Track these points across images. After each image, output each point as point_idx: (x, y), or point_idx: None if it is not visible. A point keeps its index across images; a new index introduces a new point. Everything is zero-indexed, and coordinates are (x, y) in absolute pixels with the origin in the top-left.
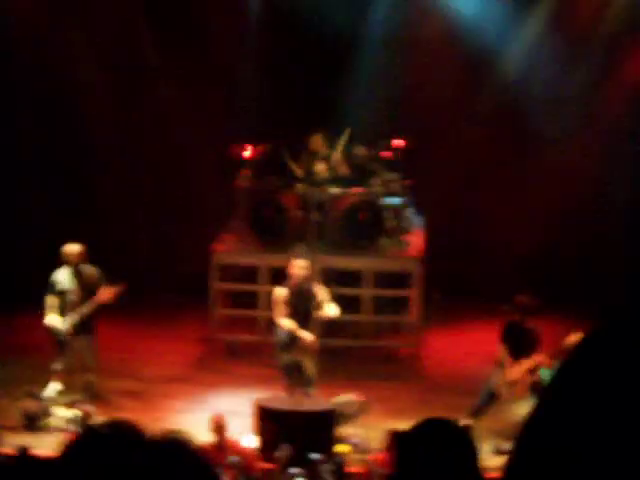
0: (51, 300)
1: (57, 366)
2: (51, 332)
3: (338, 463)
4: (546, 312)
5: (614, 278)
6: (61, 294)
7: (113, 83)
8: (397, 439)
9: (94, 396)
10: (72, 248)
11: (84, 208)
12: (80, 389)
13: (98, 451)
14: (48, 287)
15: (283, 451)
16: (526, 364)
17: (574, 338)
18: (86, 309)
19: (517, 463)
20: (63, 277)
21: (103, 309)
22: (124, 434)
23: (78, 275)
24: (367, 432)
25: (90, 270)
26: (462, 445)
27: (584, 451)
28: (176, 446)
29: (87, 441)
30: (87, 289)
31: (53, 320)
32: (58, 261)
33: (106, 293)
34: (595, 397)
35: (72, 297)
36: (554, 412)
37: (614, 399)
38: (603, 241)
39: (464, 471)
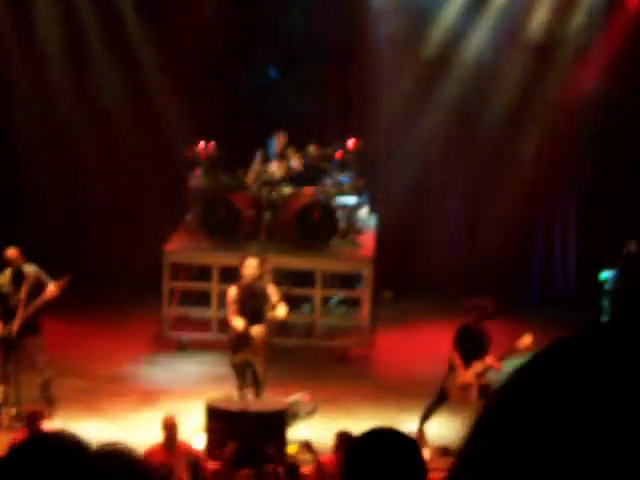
0: None
1: (1, 370)
2: None
3: (289, 464)
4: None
5: (559, 280)
6: (4, 297)
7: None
8: (346, 448)
9: (50, 396)
10: (10, 251)
11: (30, 207)
12: (38, 389)
13: (39, 460)
14: None
15: (229, 449)
16: (477, 367)
17: (525, 341)
18: (31, 309)
19: (466, 461)
20: (5, 280)
21: (50, 307)
22: (67, 444)
23: (20, 277)
24: (318, 432)
25: (31, 269)
26: (411, 456)
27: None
28: (119, 457)
29: (29, 449)
30: (30, 289)
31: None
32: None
33: (51, 290)
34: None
35: (15, 299)
36: (508, 412)
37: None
38: (550, 244)
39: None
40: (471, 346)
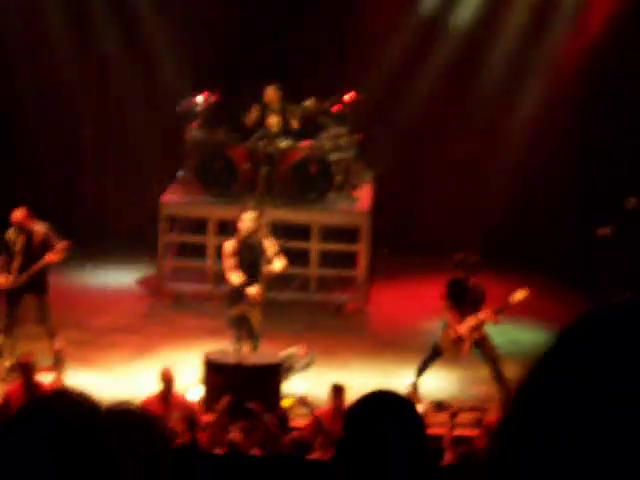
0: (2, 260)
1: (1, 324)
2: (1, 292)
3: (282, 416)
4: (491, 268)
5: (558, 234)
6: (12, 254)
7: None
8: (346, 413)
9: (62, 363)
10: (18, 212)
11: (26, 162)
12: (52, 358)
13: (46, 420)
14: (0, 247)
15: (223, 402)
16: (471, 321)
17: (519, 295)
18: (35, 268)
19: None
20: (14, 237)
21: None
22: (74, 403)
23: (28, 236)
24: (313, 385)
25: (40, 229)
26: (410, 419)
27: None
28: (127, 415)
29: (35, 409)
30: (39, 248)
31: (2, 281)
32: (8, 222)
33: (53, 254)
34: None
35: (23, 257)
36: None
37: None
38: (551, 197)
39: (412, 444)
40: (461, 300)
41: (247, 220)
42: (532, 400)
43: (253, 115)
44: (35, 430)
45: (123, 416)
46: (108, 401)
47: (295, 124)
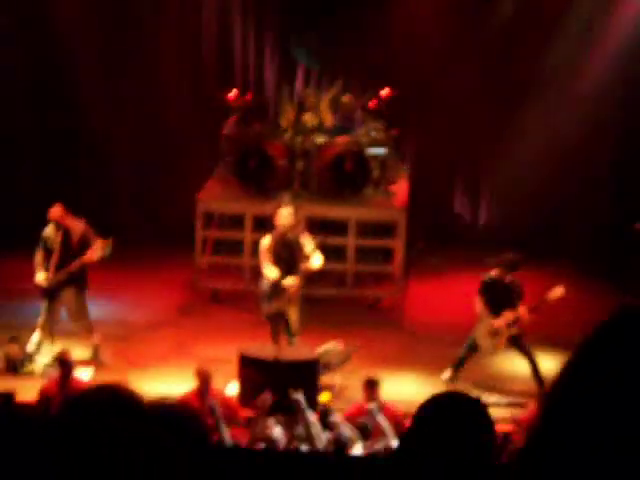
0: (40, 256)
1: (41, 319)
2: (39, 289)
3: (322, 412)
4: (529, 264)
5: (593, 227)
6: (51, 250)
7: (98, 24)
8: (419, 408)
9: (100, 358)
10: (55, 209)
11: (67, 159)
12: (90, 354)
13: (90, 415)
14: (38, 243)
15: (265, 399)
16: (507, 317)
17: (556, 292)
18: (75, 265)
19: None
20: (52, 234)
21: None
22: (117, 398)
23: (66, 232)
24: (350, 380)
25: (78, 226)
26: (481, 421)
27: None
28: (170, 411)
29: (80, 404)
30: (77, 245)
31: (41, 277)
32: (46, 218)
33: (94, 252)
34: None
35: (61, 254)
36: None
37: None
38: (589, 196)
39: (480, 447)
40: (498, 297)
41: (284, 216)
42: (567, 397)
43: (289, 111)
44: (82, 423)
45: (164, 411)
46: (145, 397)
47: (330, 120)
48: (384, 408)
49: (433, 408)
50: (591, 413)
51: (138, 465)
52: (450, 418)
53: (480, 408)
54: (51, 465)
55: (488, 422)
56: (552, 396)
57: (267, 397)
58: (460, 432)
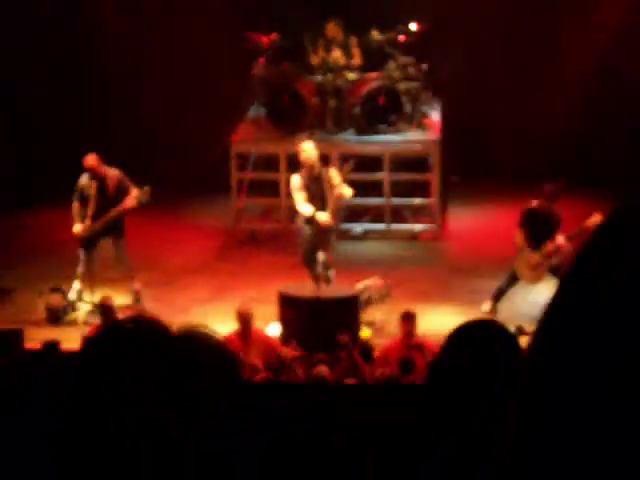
0: (77, 206)
1: (80, 268)
2: (78, 238)
3: (363, 346)
4: (567, 194)
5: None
6: (87, 200)
7: None
8: (449, 335)
9: (142, 304)
10: (90, 158)
11: (99, 100)
12: (131, 299)
13: (121, 345)
14: (74, 193)
15: (343, 338)
16: (547, 247)
17: (594, 219)
18: (113, 214)
19: (538, 349)
20: (87, 183)
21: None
22: (147, 328)
23: (101, 181)
24: (390, 316)
25: (114, 174)
26: (512, 351)
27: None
28: (200, 339)
29: (111, 335)
30: (113, 194)
31: (78, 228)
32: (82, 167)
33: (131, 200)
34: (619, 283)
35: (98, 203)
36: (575, 299)
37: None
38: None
39: (508, 378)
40: (537, 228)
41: (308, 151)
42: (565, 311)
43: (319, 49)
44: (110, 352)
45: (194, 339)
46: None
47: (358, 58)
48: (423, 344)
49: (463, 334)
50: (593, 324)
51: (158, 388)
52: (479, 344)
53: (511, 337)
54: (81, 400)
55: (518, 352)
56: (550, 311)
57: (347, 338)
58: (489, 359)
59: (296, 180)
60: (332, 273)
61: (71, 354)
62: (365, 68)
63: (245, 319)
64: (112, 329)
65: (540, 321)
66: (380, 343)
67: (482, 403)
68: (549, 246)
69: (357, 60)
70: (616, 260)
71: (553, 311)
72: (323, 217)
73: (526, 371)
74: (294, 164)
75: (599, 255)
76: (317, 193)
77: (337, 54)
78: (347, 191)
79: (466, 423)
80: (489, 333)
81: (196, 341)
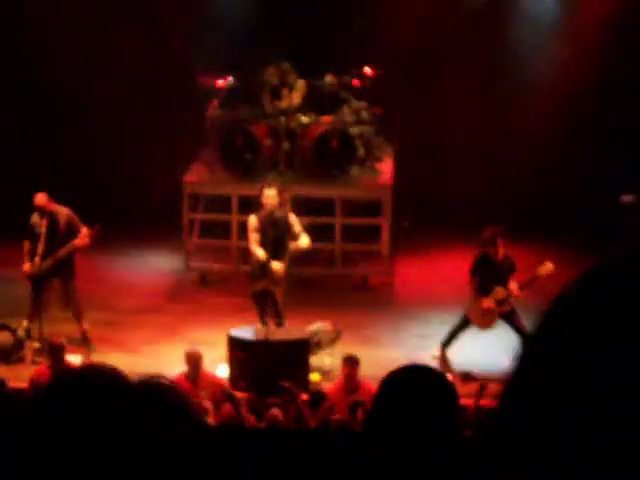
0: (27, 245)
1: (29, 307)
2: (27, 277)
3: (315, 393)
4: (516, 240)
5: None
6: (37, 238)
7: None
8: (381, 382)
9: (90, 344)
10: (40, 196)
11: (50, 144)
12: (79, 339)
13: (75, 395)
14: (25, 231)
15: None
16: (498, 294)
17: (546, 268)
18: (62, 253)
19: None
20: (38, 221)
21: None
22: (102, 378)
23: (51, 220)
24: (339, 360)
25: (64, 212)
26: (446, 396)
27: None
28: (156, 391)
29: (64, 384)
30: (64, 232)
31: (28, 267)
32: (33, 206)
33: (82, 238)
34: (590, 337)
35: (48, 241)
36: (545, 352)
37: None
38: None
39: (446, 417)
40: (487, 275)
41: (270, 196)
42: (536, 354)
43: (270, 92)
44: (66, 401)
45: (152, 389)
46: (134, 377)
47: (298, 99)
48: (363, 386)
49: (395, 381)
50: (561, 372)
51: (116, 441)
52: (412, 390)
53: (443, 380)
54: (35, 450)
55: (452, 394)
56: (524, 353)
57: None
58: (422, 403)
59: (252, 221)
60: (282, 319)
61: (18, 393)
62: (319, 112)
63: (194, 361)
64: (64, 378)
65: (511, 375)
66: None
67: (417, 448)
68: (500, 292)
69: (297, 99)
70: (586, 319)
71: (524, 362)
72: (276, 266)
73: (495, 418)
74: (247, 205)
75: (567, 313)
76: (273, 237)
77: (292, 97)
78: (305, 241)
79: (402, 470)
80: (422, 378)
81: (150, 388)
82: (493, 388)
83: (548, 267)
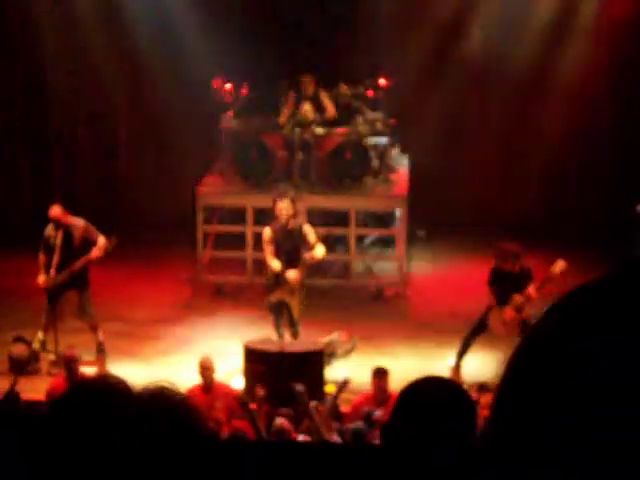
0: (42, 257)
1: (44, 319)
2: (42, 289)
3: (330, 403)
4: (530, 250)
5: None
6: (52, 250)
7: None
8: (399, 395)
9: (104, 355)
10: (55, 208)
11: (59, 152)
12: (94, 349)
13: (84, 406)
14: (40, 243)
15: (259, 392)
16: (516, 301)
17: (559, 266)
18: (78, 265)
19: (500, 407)
20: (53, 233)
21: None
22: (111, 389)
23: (66, 231)
24: (356, 371)
25: (79, 224)
26: (463, 408)
27: (568, 393)
28: (163, 401)
29: (74, 395)
30: (79, 244)
31: (43, 279)
32: (48, 218)
33: (98, 251)
34: (587, 339)
35: (63, 253)
36: (539, 355)
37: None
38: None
39: (461, 434)
40: (504, 286)
41: (283, 207)
42: (519, 373)
43: (288, 103)
44: (67, 415)
45: (157, 399)
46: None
47: (331, 112)
48: (394, 398)
49: (413, 393)
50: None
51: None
52: (429, 402)
53: (461, 392)
54: (44, 462)
55: (469, 406)
56: (507, 373)
57: (261, 392)
58: (439, 416)
59: (267, 233)
60: (297, 330)
61: (32, 405)
62: (333, 122)
63: (207, 372)
64: (77, 390)
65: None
66: (345, 398)
67: (433, 460)
68: (518, 299)
69: (330, 113)
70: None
71: (515, 370)
72: (292, 275)
73: (490, 428)
74: (262, 216)
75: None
76: (288, 247)
77: (307, 108)
78: (320, 252)
79: None
80: (439, 391)
81: (159, 401)
82: None
83: (561, 265)
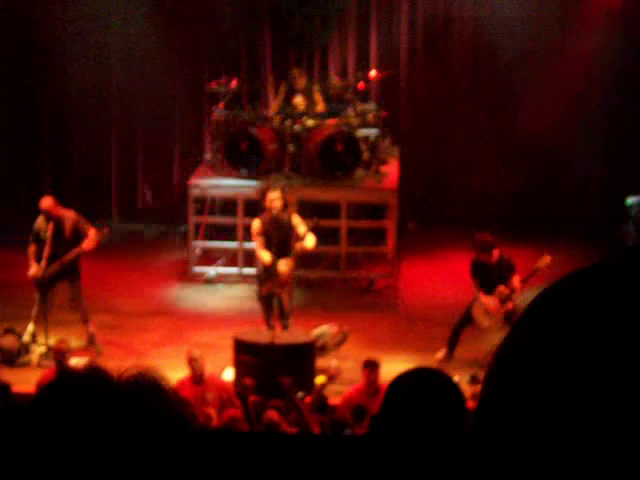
0: (33, 249)
1: (34, 311)
2: (33, 281)
3: (319, 395)
4: (519, 241)
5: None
6: (43, 242)
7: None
8: (389, 386)
9: (96, 347)
10: (46, 200)
11: (51, 143)
12: (85, 341)
13: (69, 396)
14: (31, 235)
15: (246, 384)
16: (500, 292)
17: (542, 261)
18: (70, 257)
19: (488, 395)
20: (44, 225)
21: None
22: (97, 379)
23: (57, 223)
24: (346, 363)
25: (70, 216)
26: (452, 399)
27: (555, 382)
28: (147, 389)
29: (60, 385)
30: (70, 236)
31: (34, 271)
32: (38, 210)
33: (89, 242)
34: (572, 329)
35: (54, 245)
36: (525, 345)
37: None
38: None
39: (451, 425)
40: (486, 276)
41: (273, 198)
42: (509, 361)
43: (279, 95)
44: (60, 401)
45: (141, 388)
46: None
47: (321, 105)
48: (381, 390)
49: (402, 385)
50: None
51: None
52: (419, 393)
53: (450, 383)
54: (30, 450)
55: (459, 397)
56: (495, 361)
57: (249, 383)
58: (429, 407)
59: (256, 225)
60: (289, 320)
61: (22, 397)
62: (324, 114)
63: (194, 363)
64: (62, 379)
65: (488, 369)
66: (335, 390)
67: (422, 452)
68: (503, 290)
69: (320, 107)
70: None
71: (502, 360)
72: (282, 266)
73: (476, 420)
74: (253, 208)
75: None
76: (279, 239)
77: (298, 100)
78: (311, 242)
79: (408, 473)
80: (428, 382)
81: (143, 391)
82: None
83: (547, 259)
